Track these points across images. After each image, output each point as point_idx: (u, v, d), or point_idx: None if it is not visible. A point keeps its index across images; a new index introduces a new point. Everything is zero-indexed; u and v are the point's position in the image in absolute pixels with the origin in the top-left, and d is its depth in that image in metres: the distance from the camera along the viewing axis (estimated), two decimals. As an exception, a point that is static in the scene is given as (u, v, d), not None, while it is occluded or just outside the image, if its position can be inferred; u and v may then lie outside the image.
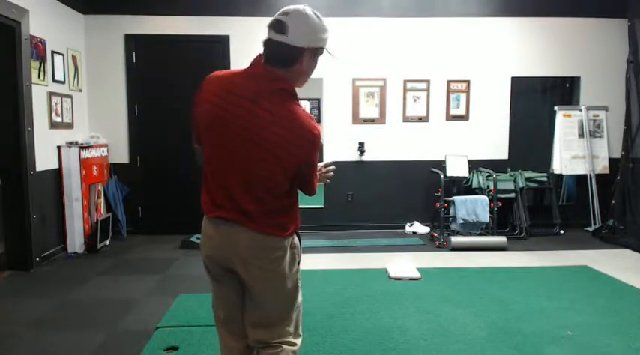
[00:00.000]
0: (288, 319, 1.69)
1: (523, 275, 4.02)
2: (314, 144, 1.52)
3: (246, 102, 1.46)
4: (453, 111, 5.66)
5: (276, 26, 1.47)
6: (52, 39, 4.54)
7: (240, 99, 1.47)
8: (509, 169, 5.56)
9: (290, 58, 1.48)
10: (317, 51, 1.53)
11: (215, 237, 1.61)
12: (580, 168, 5.57)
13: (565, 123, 5.59)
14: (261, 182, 1.51)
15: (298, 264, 1.72)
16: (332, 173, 1.98)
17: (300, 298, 1.74)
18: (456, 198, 5.05)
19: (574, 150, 5.57)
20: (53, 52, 4.57)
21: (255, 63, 1.52)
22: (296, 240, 1.70)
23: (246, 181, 1.52)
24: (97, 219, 4.84)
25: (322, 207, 5.65)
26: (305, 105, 8.53)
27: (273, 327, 1.67)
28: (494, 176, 5.19)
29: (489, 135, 5.68)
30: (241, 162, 1.50)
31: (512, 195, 5.30)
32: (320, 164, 1.83)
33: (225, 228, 1.57)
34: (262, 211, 1.55)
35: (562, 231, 5.43)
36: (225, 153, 1.51)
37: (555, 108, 5.64)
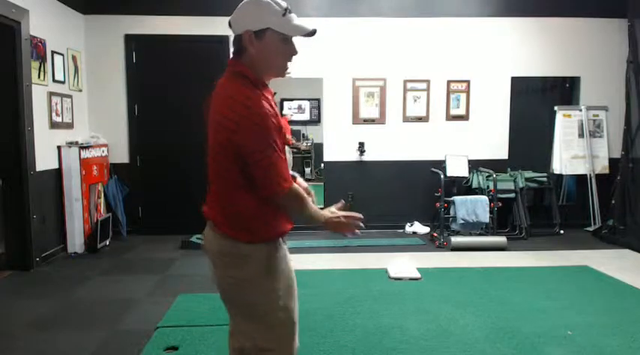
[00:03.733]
0: (262, 340, 1.52)
1: (523, 275, 4.02)
2: (248, 119, 1.35)
3: (214, 94, 1.47)
4: (453, 111, 5.66)
5: (229, 24, 1.48)
6: (52, 39, 4.54)
7: (214, 94, 1.48)
8: (509, 169, 5.56)
9: (237, 47, 1.45)
10: (262, 33, 1.40)
11: (203, 239, 1.59)
12: (580, 168, 5.57)
13: (565, 123, 5.59)
14: (212, 166, 1.47)
15: (277, 279, 1.51)
16: (356, 227, 1.60)
17: (283, 320, 1.53)
18: (456, 198, 5.05)
19: (574, 150, 5.57)
20: (53, 52, 4.57)
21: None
22: (274, 250, 1.51)
23: (209, 169, 1.50)
24: (97, 219, 4.84)
25: (322, 207, 5.64)
26: (305, 105, 8.53)
27: (240, 336, 1.57)
28: (494, 176, 5.19)
29: (489, 135, 5.67)
30: (209, 152, 1.49)
31: (512, 195, 5.30)
32: (339, 212, 1.59)
33: (206, 228, 1.57)
34: (221, 206, 1.48)
35: (562, 231, 5.42)
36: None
37: (555, 108, 5.64)
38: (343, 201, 1.73)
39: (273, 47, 1.42)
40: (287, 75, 1.53)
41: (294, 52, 1.47)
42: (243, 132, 1.36)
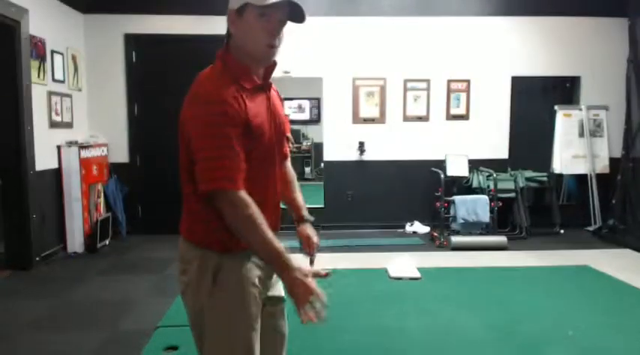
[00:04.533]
0: None
1: (523, 275, 4.02)
2: (195, 102, 1.26)
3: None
4: (453, 111, 5.65)
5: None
6: (51, 38, 4.53)
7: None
8: (509, 169, 5.56)
9: (226, 34, 1.35)
10: (242, 10, 1.27)
11: None
12: (580, 168, 5.56)
13: (565, 123, 5.58)
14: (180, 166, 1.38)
15: (224, 297, 1.30)
16: (317, 305, 1.21)
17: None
18: (457, 198, 5.05)
19: (574, 150, 5.56)
20: (53, 52, 4.56)
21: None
22: (215, 261, 1.32)
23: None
24: (97, 219, 4.84)
25: (322, 206, 5.65)
26: (305, 104, 8.51)
27: None
28: (495, 175, 5.18)
29: (490, 135, 5.67)
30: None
31: (513, 194, 5.30)
32: (307, 268, 1.27)
33: None
34: (185, 206, 1.41)
35: (562, 231, 5.42)
36: None
37: (556, 107, 5.63)
38: (313, 258, 1.52)
39: (251, 23, 1.27)
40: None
41: (274, 28, 1.28)
42: (189, 116, 1.27)
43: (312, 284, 1.22)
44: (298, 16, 1.30)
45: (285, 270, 1.23)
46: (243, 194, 1.23)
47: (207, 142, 1.23)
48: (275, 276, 1.43)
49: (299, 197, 1.61)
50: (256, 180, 1.31)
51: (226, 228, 1.25)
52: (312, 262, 1.54)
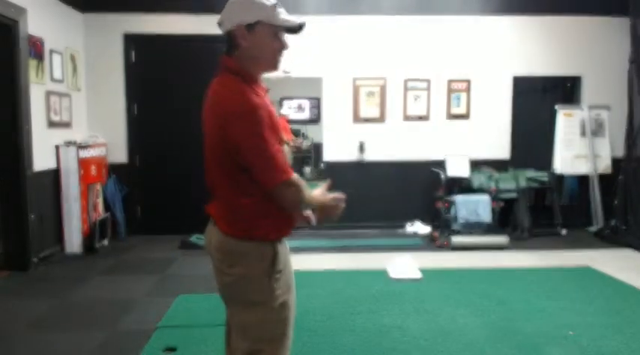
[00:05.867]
0: (255, 339, 1.50)
1: (524, 275, 4.00)
2: (236, 113, 1.37)
3: (207, 95, 1.50)
4: (454, 111, 5.63)
5: (219, 23, 1.51)
6: (50, 38, 4.51)
7: (207, 95, 1.51)
8: (510, 169, 5.53)
9: (229, 44, 1.48)
10: (253, 26, 1.42)
11: (205, 237, 1.60)
12: (582, 168, 5.54)
13: (567, 123, 5.56)
14: (210, 168, 1.49)
15: (275, 279, 1.49)
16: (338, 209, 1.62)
17: (277, 320, 1.51)
18: (457, 198, 5.03)
19: (576, 150, 5.54)
20: (51, 51, 4.55)
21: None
22: (272, 249, 1.49)
23: (209, 172, 1.52)
24: (96, 219, 4.82)
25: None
26: (305, 104, 8.50)
27: (235, 335, 1.55)
28: (496, 175, 5.16)
29: (490, 135, 5.65)
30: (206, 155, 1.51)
31: (514, 194, 5.27)
32: (327, 195, 1.60)
33: (209, 224, 1.58)
34: (221, 204, 1.51)
35: (564, 231, 5.39)
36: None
37: (557, 107, 5.60)
38: (330, 181, 1.72)
39: (263, 40, 1.44)
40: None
41: (285, 46, 1.49)
42: (232, 126, 1.37)
43: (330, 199, 1.59)
44: (299, 26, 1.49)
45: (319, 205, 1.57)
46: (295, 175, 1.47)
47: (252, 139, 1.38)
48: None
49: None
50: None
51: (268, 219, 1.46)
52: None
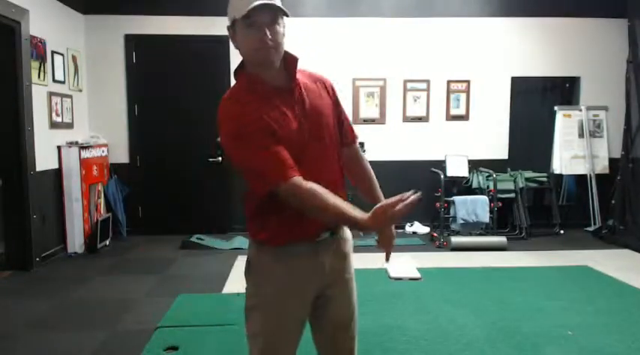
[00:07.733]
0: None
1: (523, 275, 4.02)
2: (220, 123, 1.37)
3: None
4: (453, 111, 5.66)
5: None
6: (52, 39, 4.53)
7: None
8: (509, 169, 5.56)
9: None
10: (233, 26, 1.40)
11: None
12: (580, 168, 5.56)
13: (565, 123, 5.59)
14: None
15: (257, 290, 1.49)
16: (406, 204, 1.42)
17: (250, 329, 1.54)
18: (456, 198, 5.05)
19: (574, 150, 5.57)
20: (53, 52, 4.57)
21: None
22: (259, 255, 1.48)
23: None
24: (97, 219, 4.84)
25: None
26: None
27: None
28: (495, 176, 5.18)
29: (489, 135, 5.67)
30: None
31: (513, 195, 5.30)
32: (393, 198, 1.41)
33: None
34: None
35: (562, 231, 5.42)
36: None
37: (555, 108, 5.63)
38: (389, 256, 1.59)
39: (242, 34, 1.38)
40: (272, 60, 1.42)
41: (262, 32, 1.33)
42: (227, 148, 1.39)
43: (380, 222, 1.43)
44: (283, 12, 1.36)
45: (356, 225, 1.40)
46: (295, 180, 1.32)
47: (241, 157, 1.36)
48: None
49: (381, 195, 1.65)
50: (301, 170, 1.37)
51: (268, 223, 1.43)
52: (387, 259, 1.59)
